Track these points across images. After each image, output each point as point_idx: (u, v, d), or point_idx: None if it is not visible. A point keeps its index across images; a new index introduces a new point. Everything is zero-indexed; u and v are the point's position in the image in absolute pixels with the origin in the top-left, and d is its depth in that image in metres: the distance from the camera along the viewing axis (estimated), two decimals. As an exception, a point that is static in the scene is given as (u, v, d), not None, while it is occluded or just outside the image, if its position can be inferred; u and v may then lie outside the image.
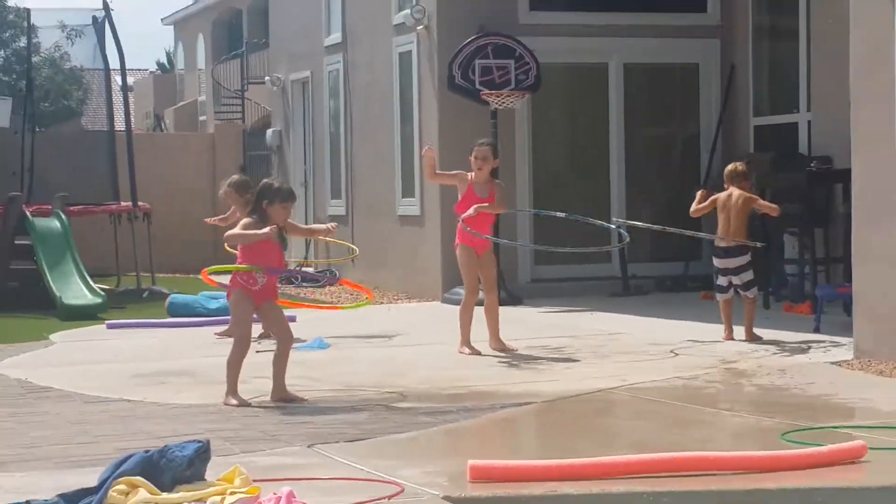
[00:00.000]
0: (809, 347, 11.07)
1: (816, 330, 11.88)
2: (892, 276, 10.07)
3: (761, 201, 12.05)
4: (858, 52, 10.39)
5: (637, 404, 8.87)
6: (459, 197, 11.46)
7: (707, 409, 8.48)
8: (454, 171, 11.75)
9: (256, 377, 10.27)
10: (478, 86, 15.43)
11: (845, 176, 11.77)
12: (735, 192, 11.81)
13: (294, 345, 12.06)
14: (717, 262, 11.96)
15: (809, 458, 6.58)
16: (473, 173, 11.40)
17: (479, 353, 11.23)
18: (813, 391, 9.12)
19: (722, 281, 11.90)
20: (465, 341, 11.37)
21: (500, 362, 10.85)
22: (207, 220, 13.29)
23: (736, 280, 11.78)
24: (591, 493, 6.06)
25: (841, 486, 6.21)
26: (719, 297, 11.96)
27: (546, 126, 16.75)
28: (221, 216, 13.40)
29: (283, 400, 9.14)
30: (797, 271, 14.53)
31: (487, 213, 11.37)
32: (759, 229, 14.40)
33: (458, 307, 11.70)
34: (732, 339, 11.70)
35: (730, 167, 12.13)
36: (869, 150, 10.28)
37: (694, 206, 12.09)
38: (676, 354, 10.99)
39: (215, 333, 12.96)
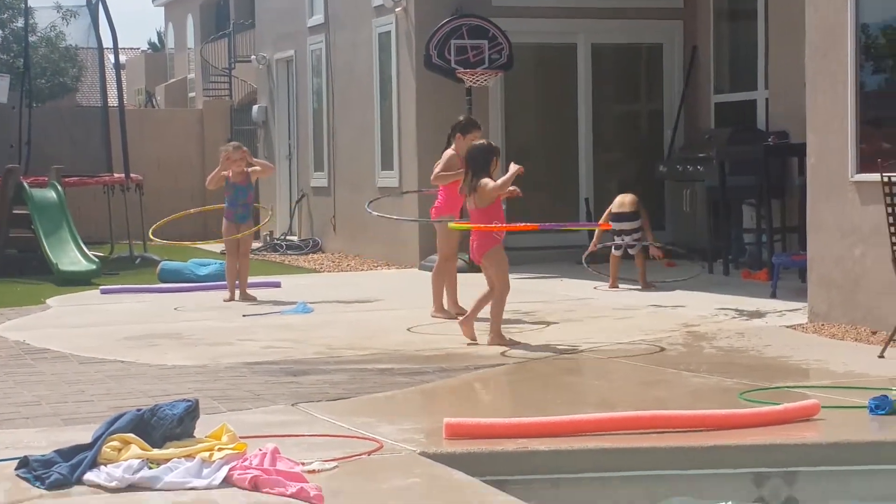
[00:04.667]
0: (766, 312, 11.09)
1: (773, 295, 11.91)
2: (844, 245, 10.09)
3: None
4: (814, 32, 10.37)
5: (603, 365, 8.87)
6: (451, 172, 11.21)
7: (669, 369, 8.48)
8: (448, 159, 11.19)
9: (241, 340, 10.26)
10: (453, 65, 15.38)
11: (800, 150, 11.79)
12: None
13: (279, 309, 12.11)
14: (616, 225, 13.26)
15: (766, 416, 6.58)
16: (458, 150, 11.21)
17: (453, 318, 11.21)
18: (769, 353, 9.13)
19: (617, 240, 13.31)
20: (438, 307, 11.35)
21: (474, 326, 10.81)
22: (209, 182, 13.14)
23: (629, 240, 13.24)
24: (560, 449, 6.05)
25: (795, 442, 6.21)
26: (615, 252, 13.35)
27: (518, 103, 16.72)
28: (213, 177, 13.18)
29: (500, 345, 9.50)
30: (755, 240, 14.55)
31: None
32: (720, 201, 14.45)
33: (435, 274, 11.69)
34: (617, 287, 13.24)
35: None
36: (823, 126, 10.28)
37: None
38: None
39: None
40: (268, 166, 13.96)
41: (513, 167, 9.60)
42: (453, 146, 11.23)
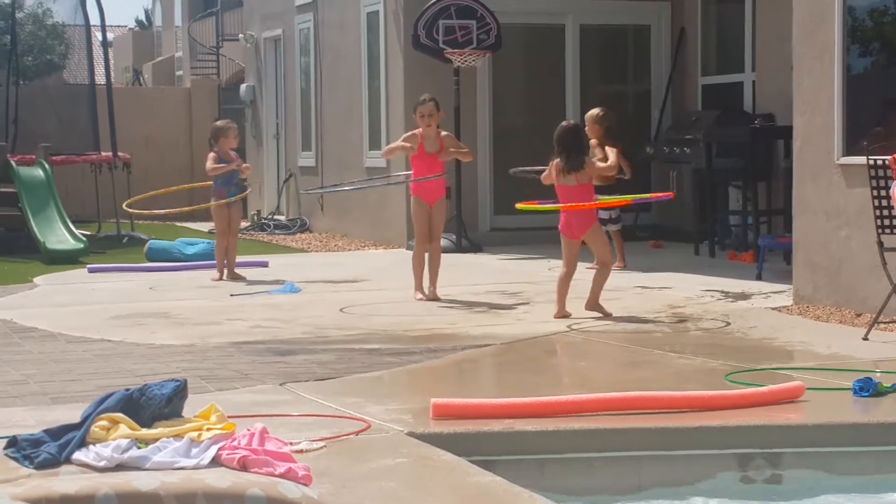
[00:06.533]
0: (752, 294, 11.12)
1: (758, 277, 11.95)
2: (829, 227, 10.13)
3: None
4: (801, 15, 10.38)
5: (589, 346, 8.90)
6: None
7: (655, 350, 8.50)
8: (403, 138, 11.61)
9: (229, 319, 10.27)
10: (441, 45, 15.36)
11: (787, 133, 11.81)
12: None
13: (267, 289, 12.12)
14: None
15: (751, 397, 6.62)
16: (421, 130, 11.39)
17: (433, 299, 11.19)
18: (755, 335, 9.17)
19: (602, 214, 12.72)
20: (419, 286, 11.36)
21: (460, 306, 10.84)
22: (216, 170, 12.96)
23: (606, 215, 12.92)
24: (547, 430, 6.07)
25: (780, 423, 6.25)
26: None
27: (506, 83, 16.71)
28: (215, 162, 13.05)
29: (595, 310, 9.98)
30: (741, 222, 14.59)
31: (436, 164, 11.42)
32: (706, 183, 14.47)
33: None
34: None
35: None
36: (809, 109, 10.30)
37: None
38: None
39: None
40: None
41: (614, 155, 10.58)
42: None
